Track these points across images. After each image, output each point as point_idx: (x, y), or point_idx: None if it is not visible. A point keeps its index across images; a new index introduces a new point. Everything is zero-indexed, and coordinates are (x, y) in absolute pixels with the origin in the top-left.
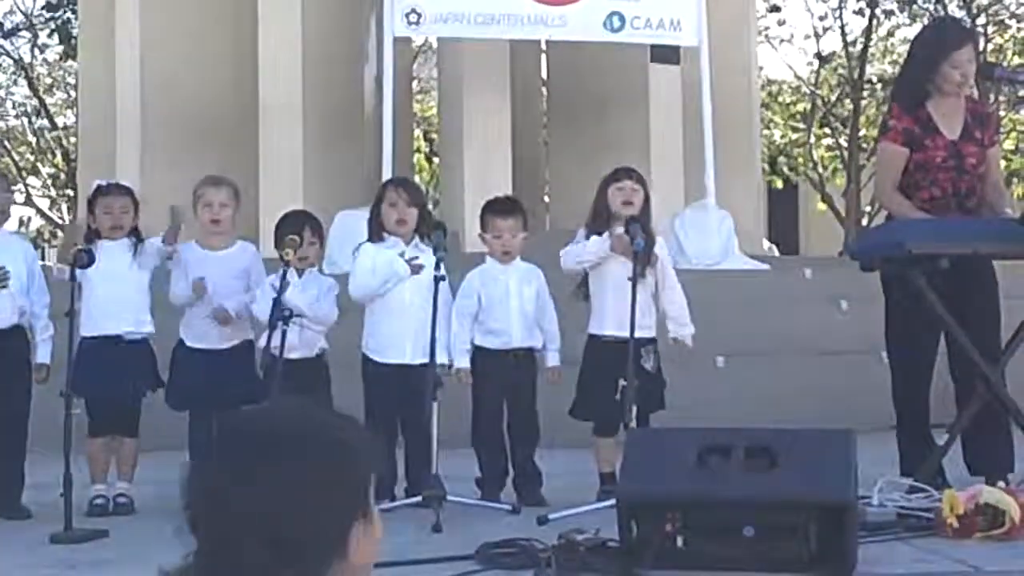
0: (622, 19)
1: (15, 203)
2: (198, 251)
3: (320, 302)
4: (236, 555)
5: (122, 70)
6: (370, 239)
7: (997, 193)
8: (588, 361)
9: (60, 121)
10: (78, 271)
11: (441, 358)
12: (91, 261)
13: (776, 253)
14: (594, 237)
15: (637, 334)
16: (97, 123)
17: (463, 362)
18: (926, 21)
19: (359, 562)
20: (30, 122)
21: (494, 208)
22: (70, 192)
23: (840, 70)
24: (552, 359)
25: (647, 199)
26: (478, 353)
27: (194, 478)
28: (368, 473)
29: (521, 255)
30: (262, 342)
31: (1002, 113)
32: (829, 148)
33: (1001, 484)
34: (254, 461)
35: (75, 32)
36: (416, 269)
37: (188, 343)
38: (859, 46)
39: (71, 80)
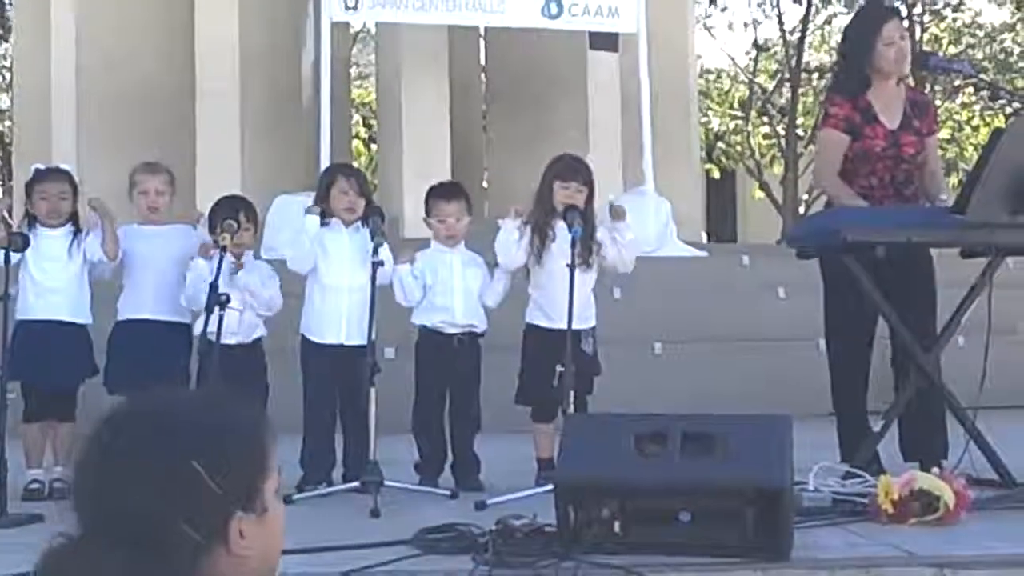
0: (560, 5)
1: None
2: (134, 230)
3: (266, 286)
4: (93, 535)
5: (58, 53)
6: None
7: (935, 182)
8: (527, 348)
9: None
10: (16, 255)
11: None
12: (25, 245)
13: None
14: (502, 230)
15: (578, 325)
16: (33, 106)
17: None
18: None
19: (248, 554)
20: None
21: (438, 192)
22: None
23: (778, 58)
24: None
25: (591, 193)
26: (422, 335)
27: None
28: (253, 468)
29: (466, 240)
30: (199, 327)
31: (937, 102)
32: (767, 136)
33: (936, 470)
34: (106, 442)
35: (9, 14)
36: (314, 213)
37: (122, 316)
38: (797, 35)
39: (6, 63)
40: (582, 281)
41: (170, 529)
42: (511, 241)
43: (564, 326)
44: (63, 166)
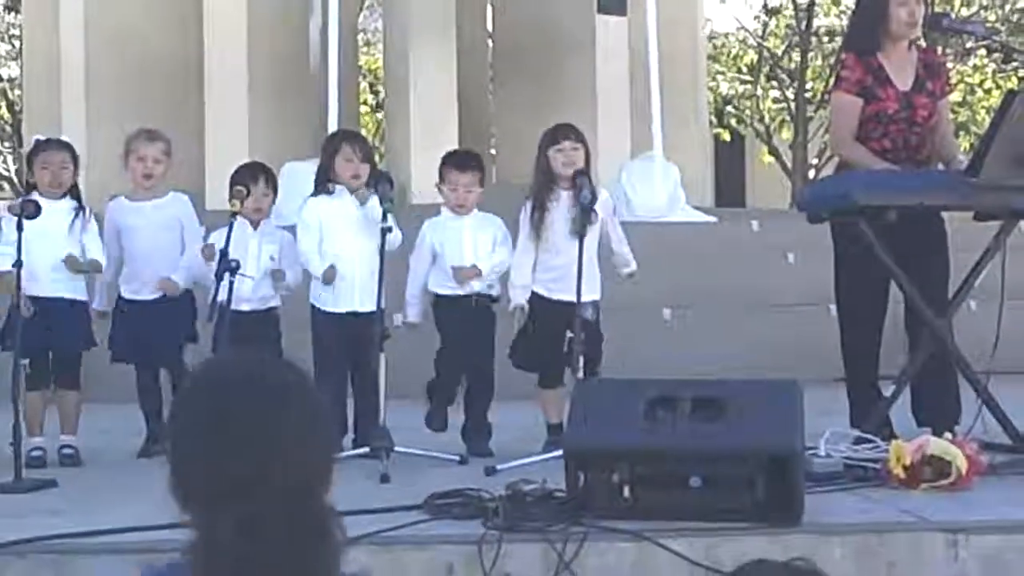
0: None
1: None
2: (126, 204)
3: (295, 265)
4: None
5: (67, 22)
6: (317, 191)
7: (947, 145)
8: (531, 316)
9: (4, 73)
10: (5, 221)
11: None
12: (38, 211)
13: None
14: (515, 290)
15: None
16: (42, 75)
17: (413, 316)
18: None
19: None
20: None
21: (452, 161)
22: (15, 144)
23: (788, 21)
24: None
25: (587, 154)
26: (438, 300)
27: (216, 431)
28: None
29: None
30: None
31: (949, 65)
32: (776, 100)
33: (948, 435)
34: (277, 407)
35: None
36: (330, 277)
37: (126, 295)
38: None
39: (16, 32)
40: (584, 250)
41: (321, 489)
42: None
43: (566, 297)
44: (63, 138)
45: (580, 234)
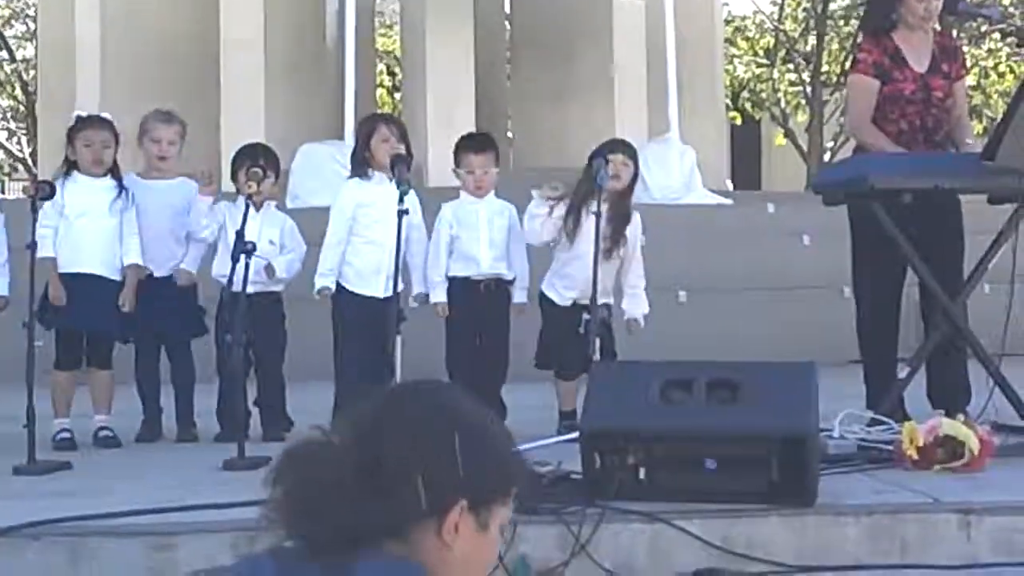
0: None
1: None
2: (139, 182)
3: (292, 258)
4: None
5: (82, 3)
6: (355, 174)
7: (961, 127)
8: (544, 320)
9: (19, 54)
10: (50, 204)
11: (418, 287)
12: (52, 193)
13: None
14: (532, 204)
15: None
16: (57, 56)
17: (439, 296)
18: None
19: (452, 548)
20: None
21: (467, 144)
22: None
23: (804, 5)
24: (518, 296)
25: (635, 175)
26: (451, 283)
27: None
28: (497, 481)
29: (495, 191)
30: (215, 270)
31: (963, 48)
32: (792, 83)
33: (961, 416)
34: (398, 397)
35: None
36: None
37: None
38: None
39: (31, 12)
40: (606, 267)
41: (406, 476)
42: (538, 217)
43: (581, 300)
44: (105, 115)
45: (597, 216)
